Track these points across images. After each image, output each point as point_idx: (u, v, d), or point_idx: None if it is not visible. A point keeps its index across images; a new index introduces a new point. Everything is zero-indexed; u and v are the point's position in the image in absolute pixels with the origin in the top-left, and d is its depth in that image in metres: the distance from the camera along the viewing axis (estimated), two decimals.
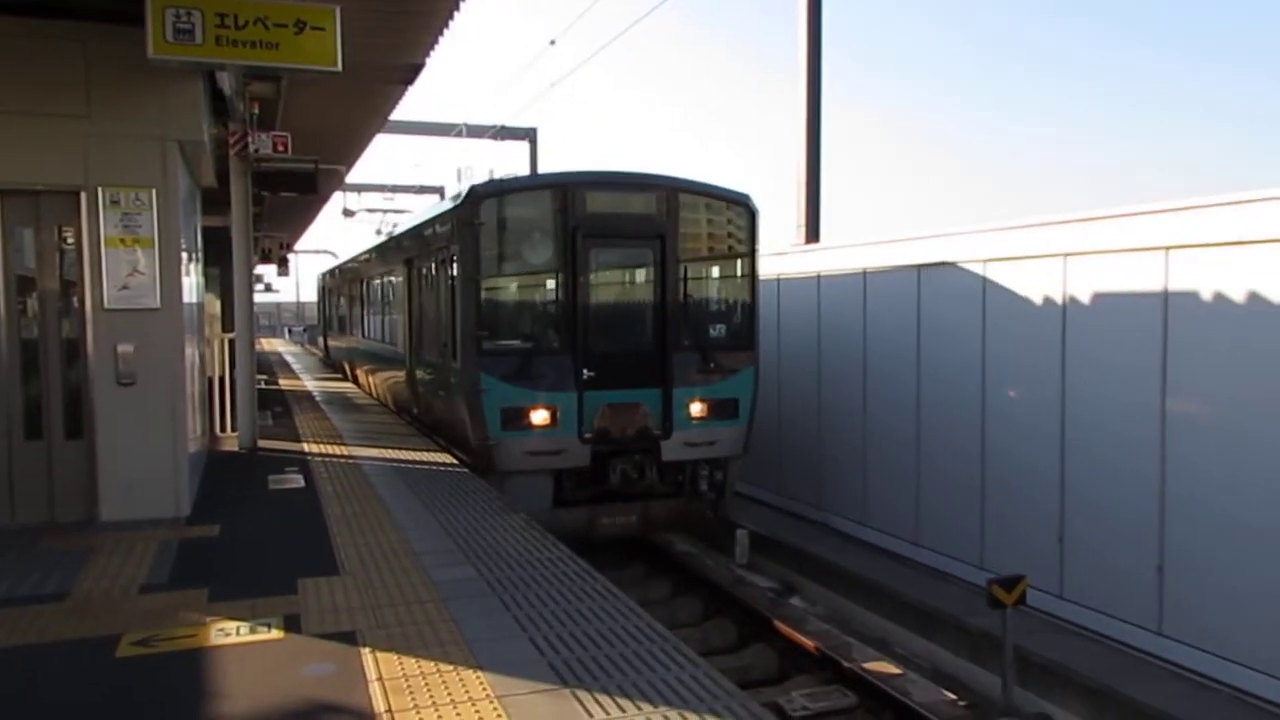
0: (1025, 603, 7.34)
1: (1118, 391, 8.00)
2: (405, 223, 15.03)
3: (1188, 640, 7.39)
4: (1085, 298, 8.37)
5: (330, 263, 30.35)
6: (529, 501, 9.09)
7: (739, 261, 10.77)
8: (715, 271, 10.93)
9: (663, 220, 10.04)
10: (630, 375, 9.93)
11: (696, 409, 10.14)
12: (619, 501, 10.12)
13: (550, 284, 10.00)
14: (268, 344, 45.15)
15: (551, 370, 9.68)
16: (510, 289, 10.24)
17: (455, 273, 10.05)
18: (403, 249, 13.73)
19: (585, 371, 9.71)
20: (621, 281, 10.73)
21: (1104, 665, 7.49)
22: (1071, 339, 8.47)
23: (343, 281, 23.40)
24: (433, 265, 11.39)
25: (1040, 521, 8.78)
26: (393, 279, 14.79)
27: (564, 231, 9.73)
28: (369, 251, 18.42)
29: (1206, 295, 7.28)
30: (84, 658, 4.80)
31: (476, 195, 9.80)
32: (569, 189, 9.80)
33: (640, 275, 10.39)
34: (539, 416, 9.60)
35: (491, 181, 10.32)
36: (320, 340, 32.64)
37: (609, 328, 10.05)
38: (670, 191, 10.14)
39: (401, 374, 13.85)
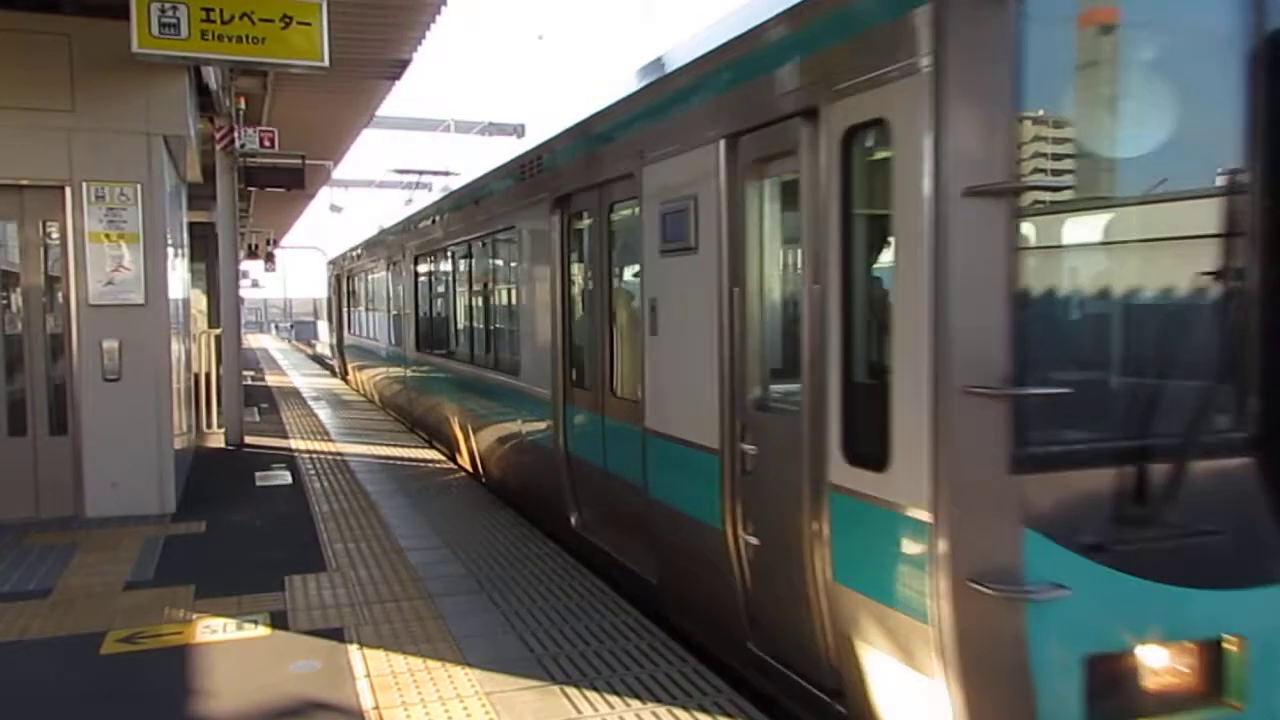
0: None
1: None
2: (562, 119, 6.90)
3: None
4: None
5: (354, 240, 19.83)
6: None
7: None
8: None
9: None
10: None
11: None
12: None
13: (1217, 225, 3.27)
14: (254, 340, 44.95)
15: (1225, 508, 3.21)
16: (1099, 249, 3.64)
17: (879, 193, 3.42)
18: (544, 179, 6.98)
19: None
20: None
21: None
22: None
23: (374, 262, 15.97)
24: (708, 199, 4.52)
25: None
26: (505, 251, 8.43)
27: (1263, 60, 3.27)
28: (440, 206, 11.15)
29: None
30: (68, 655, 4.77)
31: None
32: None
33: None
34: (1181, 677, 3.23)
35: None
36: (332, 349, 25.30)
37: None
38: None
39: (534, 458, 7.45)
